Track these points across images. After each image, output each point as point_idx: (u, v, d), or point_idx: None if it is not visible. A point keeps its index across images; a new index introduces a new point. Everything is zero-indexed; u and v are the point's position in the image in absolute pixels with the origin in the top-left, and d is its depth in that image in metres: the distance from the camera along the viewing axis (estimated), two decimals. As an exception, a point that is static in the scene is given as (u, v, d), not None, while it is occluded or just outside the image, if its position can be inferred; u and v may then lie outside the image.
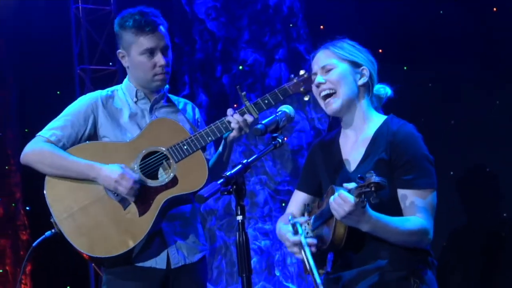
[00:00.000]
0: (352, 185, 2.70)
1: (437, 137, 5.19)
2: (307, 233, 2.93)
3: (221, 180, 2.47)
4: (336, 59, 3.03)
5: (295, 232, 2.91)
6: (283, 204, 6.30)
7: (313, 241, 2.88)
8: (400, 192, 2.90)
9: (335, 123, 3.25)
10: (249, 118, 3.36)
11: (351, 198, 2.66)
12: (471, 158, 5.20)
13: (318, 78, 3.04)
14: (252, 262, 6.31)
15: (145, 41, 3.45)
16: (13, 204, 6.81)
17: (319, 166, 3.15)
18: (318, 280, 2.73)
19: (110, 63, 6.80)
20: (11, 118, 6.95)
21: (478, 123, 5.23)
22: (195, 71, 6.59)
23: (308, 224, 2.97)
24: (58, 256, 6.03)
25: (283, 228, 3.03)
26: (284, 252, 6.25)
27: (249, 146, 6.32)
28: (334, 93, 3.02)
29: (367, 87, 3.06)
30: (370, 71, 3.05)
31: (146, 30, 3.43)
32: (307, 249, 2.82)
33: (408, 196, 2.88)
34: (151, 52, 3.46)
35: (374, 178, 2.58)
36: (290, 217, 3.01)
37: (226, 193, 2.47)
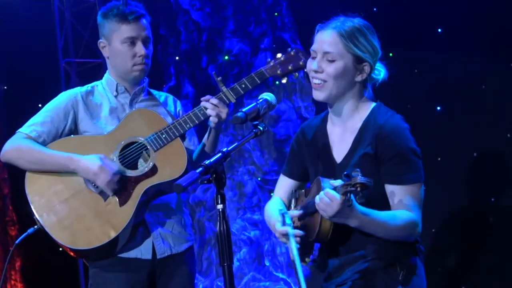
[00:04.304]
0: (338, 182, 2.67)
1: (424, 123, 5.17)
2: (294, 222, 2.91)
3: (200, 169, 2.43)
4: (341, 49, 2.89)
5: (283, 223, 2.88)
6: (272, 194, 6.27)
7: (299, 232, 2.85)
8: (388, 187, 2.86)
9: (322, 113, 3.21)
10: (226, 102, 3.34)
11: (337, 197, 2.63)
12: (458, 143, 5.18)
13: (315, 65, 2.92)
14: (241, 252, 6.34)
15: (127, 30, 3.46)
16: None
17: (305, 151, 3.11)
18: (300, 273, 2.72)
19: (96, 56, 6.75)
20: (-4, 114, 6.91)
21: (464, 109, 5.21)
22: (181, 62, 6.56)
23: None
24: (47, 251, 6.02)
25: (272, 216, 2.99)
26: (274, 242, 6.24)
27: (236, 136, 6.30)
28: (326, 82, 2.92)
29: (365, 80, 2.97)
30: (371, 66, 2.93)
31: (128, 19, 3.45)
32: (292, 241, 2.79)
33: (396, 192, 2.84)
34: (132, 41, 3.47)
35: (360, 179, 2.55)
36: (279, 209, 2.97)
37: (205, 182, 2.45)
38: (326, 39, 2.91)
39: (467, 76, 5.16)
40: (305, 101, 6.22)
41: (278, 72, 3.36)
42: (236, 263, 6.27)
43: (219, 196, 2.45)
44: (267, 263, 6.21)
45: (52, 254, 6.22)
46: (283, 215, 2.89)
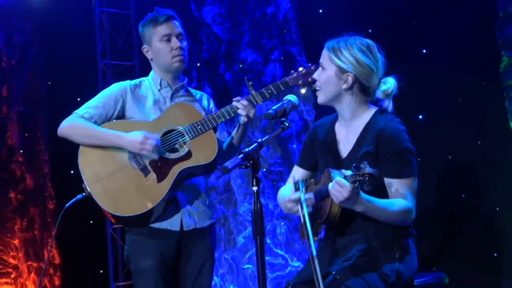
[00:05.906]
0: (348, 172, 2.68)
1: (408, 129, 5.18)
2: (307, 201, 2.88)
3: (242, 155, 2.46)
4: (327, 61, 2.98)
5: (296, 189, 2.87)
6: (275, 183, 6.30)
7: (310, 196, 2.85)
8: (387, 180, 2.89)
9: (320, 116, 3.26)
10: (254, 104, 3.39)
11: (347, 184, 2.64)
12: (435, 147, 5.20)
13: (315, 74, 3.04)
14: (247, 231, 6.31)
15: (162, 29, 3.51)
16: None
17: (316, 146, 3.13)
18: (311, 236, 2.67)
19: (129, 59, 6.75)
20: (41, 106, 6.91)
21: (442, 118, 5.23)
22: (202, 67, 6.56)
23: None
24: (81, 222, 6.01)
25: (284, 190, 3.03)
26: (275, 224, 6.25)
27: (247, 133, 6.29)
28: (318, 89, 3.02)
29: (359, 86, 2.96)
30: (356, 77, 2.92)
31: (161, 21, 3.51)
32: (304, 205, 2.77)
33: (394, 184, 2.87)
34: (168, 38, 3.52)
35: (368, 169, 2.57)
36: (294, 178, 2.95)
37: (244, 167, 2.45)
38: (322, 52, 3.02)
39: (445, 91, 5.19)
40: (306, 106, 6.23)
41: (300, 82, 3.41)
42: (241, 240, 6.27)
43: (254, 179, 2.45)
44: (268, 241, 6.21)
45: (85, 226, 6.24)
46: (297, 183, 2.86)
